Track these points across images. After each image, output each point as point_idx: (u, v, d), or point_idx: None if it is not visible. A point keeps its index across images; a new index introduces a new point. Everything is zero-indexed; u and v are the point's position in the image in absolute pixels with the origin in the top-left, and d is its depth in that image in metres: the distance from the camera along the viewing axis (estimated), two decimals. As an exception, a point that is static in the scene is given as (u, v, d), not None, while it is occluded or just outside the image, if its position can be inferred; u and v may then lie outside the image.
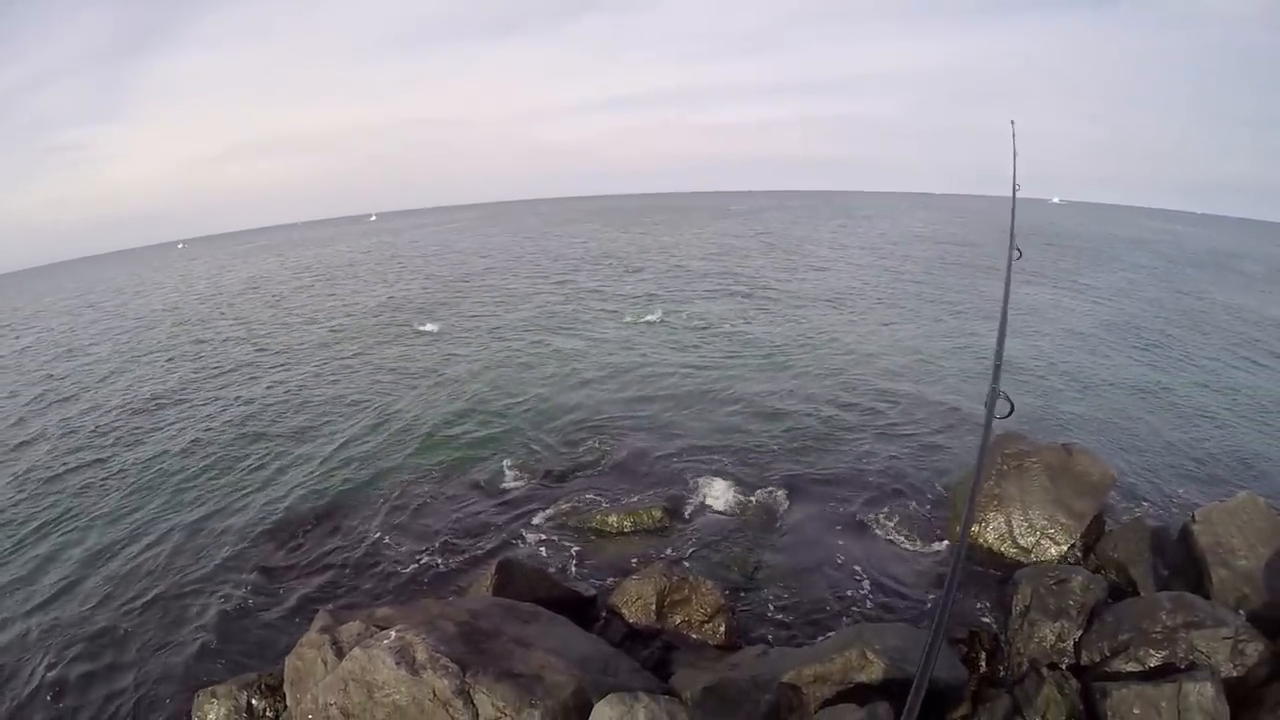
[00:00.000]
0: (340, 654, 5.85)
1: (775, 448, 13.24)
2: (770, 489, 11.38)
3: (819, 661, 6.48)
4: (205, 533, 11.20)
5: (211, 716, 6.24)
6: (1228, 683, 5.41)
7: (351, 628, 6.09)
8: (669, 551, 9.57)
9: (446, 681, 5.57)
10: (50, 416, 19.27)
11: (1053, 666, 6.28)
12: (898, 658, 6.36)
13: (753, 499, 11.12)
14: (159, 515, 12.09)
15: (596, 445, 13.64)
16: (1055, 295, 29.48)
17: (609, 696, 5.51)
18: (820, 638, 7.28)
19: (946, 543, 9.55)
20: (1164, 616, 6.13)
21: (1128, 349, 20.50)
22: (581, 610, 8.13)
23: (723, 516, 10.62)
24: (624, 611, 7.96)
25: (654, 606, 7.98)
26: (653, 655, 7.44)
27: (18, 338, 36.00)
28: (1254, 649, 5.62)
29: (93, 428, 17.64)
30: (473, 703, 5.56)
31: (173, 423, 17.34)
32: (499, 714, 5.53)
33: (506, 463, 12.95)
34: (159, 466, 14.38)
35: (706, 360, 19.76)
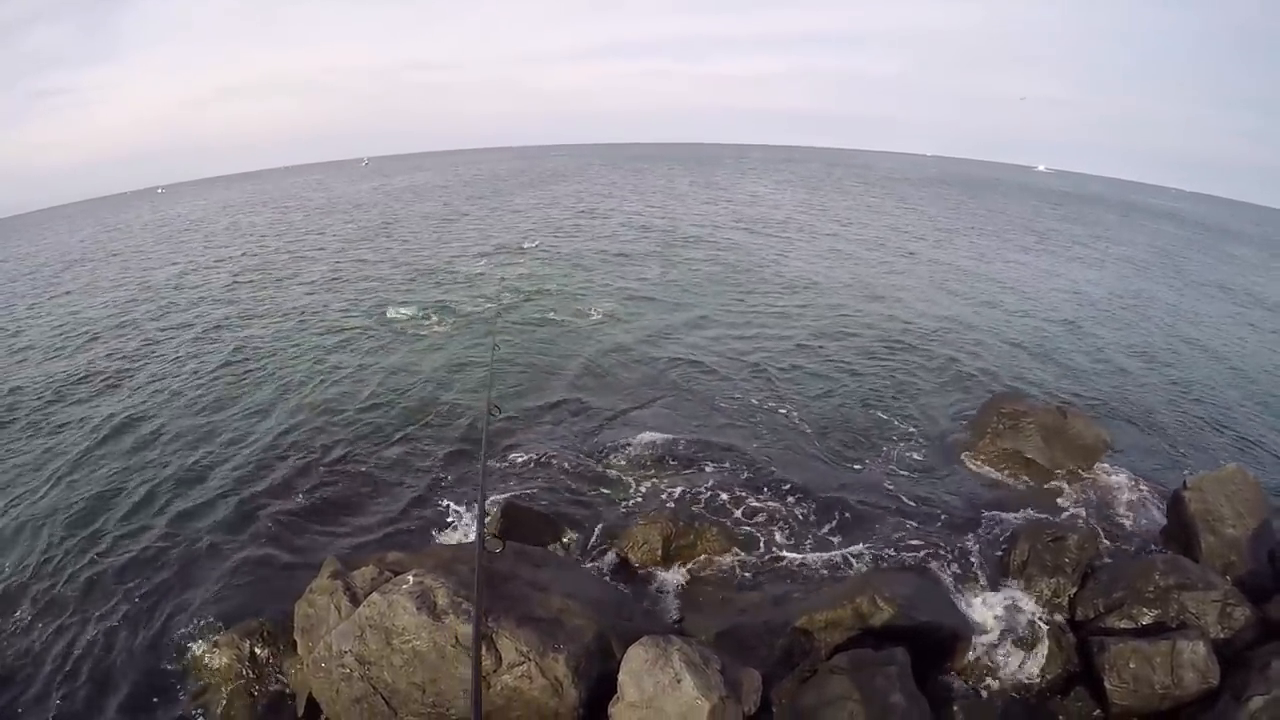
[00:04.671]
0: (355, 600, 5.57)
1: (783, 388, 13.18)
2: (776, 431, 11.35)
3: (830, 607, 6.57)
4: (199, 480, 10.42)
5: (214, 665, 5.97)
6: (1216, 643, 5.77)
7: (365, 573, 5.80)
8: (674, 497, 9.37)
9: (469, 627, 5.38)
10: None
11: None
12: (907, 604, 6.52)
13: (756, 442, 11.02)
14: (156, 457, 11.22)
15: (600, 389, 13.20)
16: (1053, 261, 29.11)
17: (643, 640, 5.41)
18: (829, 584, 7.40)
19: (959, 481, 9.63)
20: (1157, 577, 6.45)
21: (1123, 317, 20.61)
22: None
23: (728, 460, 10.40)
24: (630, 556, 7.95)
25: (660, 551, 7.97)
26: (661, 599, 7.48)
27: None
28: (1241, 613, 6.00)
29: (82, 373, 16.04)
30: (496, 648, 5.40)
31: (168, 365, 15.89)
32: (523, 659, 5.40)
33: (508, 404, 12.35)
34: (162, 405, 13.29)
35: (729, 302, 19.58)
